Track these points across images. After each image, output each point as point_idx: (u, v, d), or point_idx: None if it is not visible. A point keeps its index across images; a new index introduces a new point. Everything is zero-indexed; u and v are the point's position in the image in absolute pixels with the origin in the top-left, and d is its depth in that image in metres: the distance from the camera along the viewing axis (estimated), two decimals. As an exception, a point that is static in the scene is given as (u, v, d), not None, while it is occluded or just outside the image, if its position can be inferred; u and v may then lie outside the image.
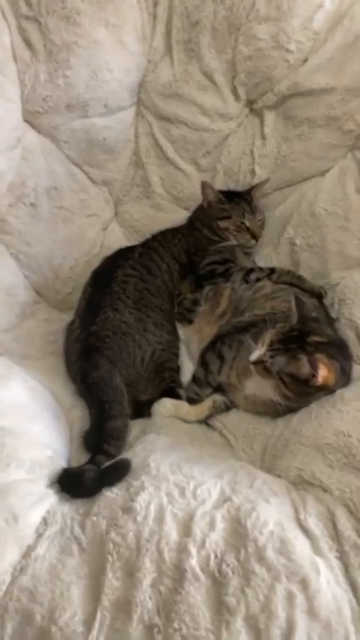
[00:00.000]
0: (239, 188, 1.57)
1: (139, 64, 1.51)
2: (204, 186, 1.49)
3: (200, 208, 1.55)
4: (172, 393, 1.31)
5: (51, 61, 1.37)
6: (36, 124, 1.44)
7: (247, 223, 1.47)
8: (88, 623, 0.78)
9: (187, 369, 1.37)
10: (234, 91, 1.52)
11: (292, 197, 1.55)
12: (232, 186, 1.58)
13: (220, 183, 1.58)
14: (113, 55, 1.43)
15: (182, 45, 1.51)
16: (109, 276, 1.40)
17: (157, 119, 1.57)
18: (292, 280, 1.42)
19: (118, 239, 1.63)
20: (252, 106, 1.54)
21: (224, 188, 1.56)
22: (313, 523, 0.89)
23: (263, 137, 1.53)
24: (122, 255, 1.47)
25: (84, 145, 1.51)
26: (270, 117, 1.52)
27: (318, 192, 1.49)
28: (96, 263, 1.51)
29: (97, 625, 0.78)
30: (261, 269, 1.46)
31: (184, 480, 0.96)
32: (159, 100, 1.55)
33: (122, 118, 1.54)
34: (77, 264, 1.56)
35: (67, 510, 0.93)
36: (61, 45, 1.36)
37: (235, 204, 1.48)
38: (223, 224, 1.48)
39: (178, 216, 1.61)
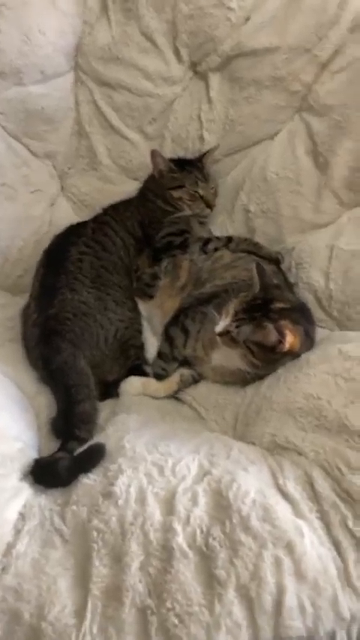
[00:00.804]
0: (189, 155, 1.52)
1: (75, 25, 1.42)
2: (153, 154, 1.44)
3: (151, 179, 1.50)
4: (138, 370, 1.29)
5: (-22, 25, 1.27)
6: (-33, 95, 1.33)
7: (201, 192, 1.44)
8: (80, 614, 0.77)
9: (152, 345, 1.35)
10: (176, 53, 1.46)
11: (243, 163, 1.53)
12: (181, 153, 1.54)
13: (169, 151, 1.53)
14: (45, 16, 1.35)
15: (119, 4, 1.43)
16: (62, 255, 1.34)
17: (97, 85, 1.49)
18: (250, 248, 1.41)
19: (66, 215, 1.56)
20: (196, 69, 1.49)
21: (174, 156, 1.51)
22: (292, 487, 0.91)
23: (210, 101, 1.49)
24: (74, 232, 1.41)
25: (22, 116, 1.42)
26: (215, 79, 1.48)
27: (268, 156, 1.48)
28: (46, 242, 1.44)
29: (88, 615, 0.77)
30: (218, 238, 1.44)
31: (162, 458, 0.95)
32: (98, 65, 1.47)
33: (60, 84, 1.46)
34: (26, 244, 1.48)
35: (44, 502, 0.91)
36: (-13, 7, 1.26)
37: (187, 172, 1.44)
38: (176, 194, 1.44)
39: (127, 188, 1.55)
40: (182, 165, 1.46)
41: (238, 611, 0.77)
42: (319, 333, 1.25)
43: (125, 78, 1.46)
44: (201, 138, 1.52)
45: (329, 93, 1.37)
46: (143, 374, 1.28)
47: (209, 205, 1.46)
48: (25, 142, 1.46)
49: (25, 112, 1.41)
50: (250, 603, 0.77)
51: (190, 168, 1.45)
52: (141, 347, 1.34)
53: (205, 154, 1.48)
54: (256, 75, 1.42)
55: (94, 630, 0.76)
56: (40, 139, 1.48)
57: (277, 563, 0.80)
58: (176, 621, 0.76)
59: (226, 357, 1.19)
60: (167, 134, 1.53)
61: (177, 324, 1.29)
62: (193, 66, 1.49)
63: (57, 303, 1.26)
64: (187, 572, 0.80)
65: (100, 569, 0.81)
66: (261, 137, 1.50)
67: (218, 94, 1.48)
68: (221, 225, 1.55)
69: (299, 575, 0.80)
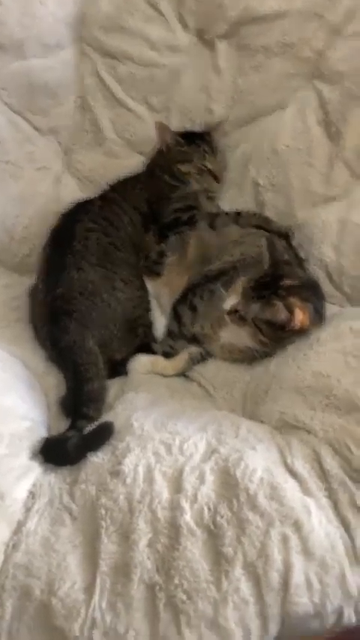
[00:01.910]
0: (196, 128, 1.48)
1: (76, -6, 1.38)
2: (160, 127, 1.41)
3: (159, 153, 1.46)
4: (146, 348, 1.28)
5: (-25, -2, 1.23)
6: (-32, 71, 1.31)
7: (209, 165, 1.41)
8: (89, 590, 0.78)
9: (160, 323, 1.34)
10: (182, 20, 1.41)
11: (253, 135, 1.48)
12: (188, 126, 1.49)
13: (176, 124, 1.49)
14: (45, -15, 1.30)
15: (122, -29, 1.38)
16: (69, 233, 1.32)
17: (101, 56, 1.45)
18: (259, 222, 1.38)
19: (72, 192, 1.53)
20: (202, 36, 1.44)
21: (181, 129, 1.47)
22: (300, 465, 0.90)
23: (217, 70, 1.44)
24: (80, 210, 1.38)
25: (24, 91, 1.39)
26: (222, 47, 1.42)
27: (278, 127, 1.43)
28: (52, 220, 1.42)
29: (97, 591, 0.78)
30: (226, 213, 1.42)
31: (170, 437, 0.95)
32: (102, 35, 1.42)
33: (63, 57, 1.42)
34: (32, 222, 1.46)
35: (53, 480, 0.92)
36: (-15, -22, 1.22)
37: (195, 146, 1.41)
38: (184, 168, 1.41)
39: (133, 162, 1.52)
40: (190, 138, 1.42)
41: (246, 588, 0.78)
42: (330, 309, 1.24)
43: (129, 48, 1.42)
44: (209, 109, 1.47)
45: (341, 59, 1.32)
46: (151, 352, 1.27)
47: (218, 179, 1.43)
48: (28, 118, 1.44)
49: (29, 87, 1.38)
50: (257, 580, 0.78)
51: (198, 141, 1.42)
52: (149, 325, 1.33)
53: (213, 126, 1.44)
54: (265, 42, 1.37)
55: (103, 606, 0.77)
56: (43, 114, 1.45)
57: (284, 540, 0.80)
58: (184, 597, 0.77)
59: (234, 335, 1.18)
60: (173, 106, 1.48)
61: (185, 302, 1.27)
62: (200, 33, 1.43)
63: (64, 282, 1.25)
64: (194, 550, 0.80)
65: (109, 546, 0.81)
66: (271, 107, 1.45)
67: (226, 62, 1.43)
68: (230, 200, 1.51)
69: (306, 552, 0.80)
